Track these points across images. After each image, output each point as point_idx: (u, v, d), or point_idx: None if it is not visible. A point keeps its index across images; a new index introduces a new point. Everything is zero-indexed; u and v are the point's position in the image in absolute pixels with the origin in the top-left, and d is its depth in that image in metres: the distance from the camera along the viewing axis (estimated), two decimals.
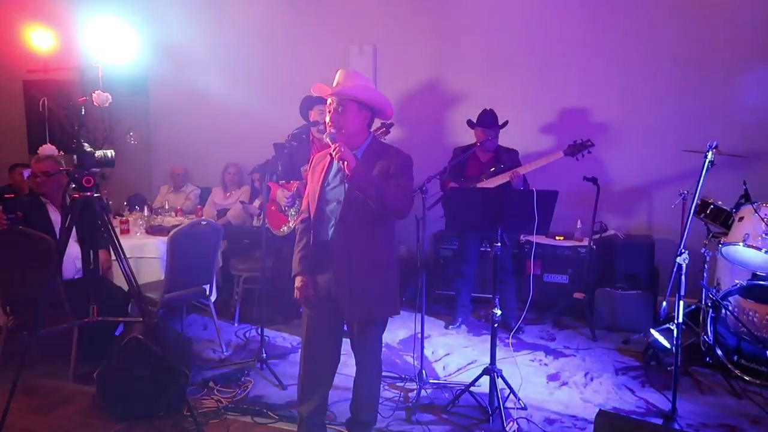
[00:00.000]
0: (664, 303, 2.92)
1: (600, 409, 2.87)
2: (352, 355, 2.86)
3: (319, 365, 2.78)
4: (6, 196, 4.91)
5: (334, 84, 2.66)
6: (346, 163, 2.48)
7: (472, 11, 5.53)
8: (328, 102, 2.65)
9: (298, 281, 2.73)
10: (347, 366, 3.16)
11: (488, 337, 3.33)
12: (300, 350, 2.84)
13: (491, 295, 3.34)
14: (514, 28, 5.43)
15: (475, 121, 4.54)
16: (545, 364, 4.00)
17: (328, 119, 2.64)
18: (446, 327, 4.69)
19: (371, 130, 2.75)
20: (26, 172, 5.47)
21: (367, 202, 2.55)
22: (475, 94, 5.43)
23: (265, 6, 6.14)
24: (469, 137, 4.69)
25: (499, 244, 3.23)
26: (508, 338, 4.30)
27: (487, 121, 4.48)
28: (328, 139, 2.57)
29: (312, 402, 2.79)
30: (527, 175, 4.48)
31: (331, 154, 2.60)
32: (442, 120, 5.73)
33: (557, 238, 4.99)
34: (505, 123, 4.53)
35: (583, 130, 5.11)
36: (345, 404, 3.21)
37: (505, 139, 4.61)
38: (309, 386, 2.78)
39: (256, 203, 5.29)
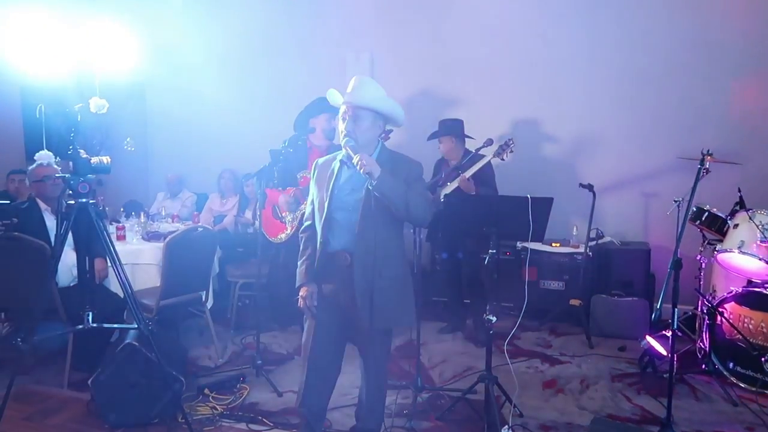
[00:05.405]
0: (659, 309, 2.91)
1: (594, 417, 2.87)
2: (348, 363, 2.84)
3: (324, 373, 2.76)
4: (1, 202, 4.89)
5: (349, 90, 2.61)
6: (371, 173, 2.40)
7: (468, 18, 5.55)
8: (341, 110, 2.60)
9: (303, 291, 2.69)
10: (343, 374, 3.14)
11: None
12: (303, 357, 2.79)
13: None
14: (510, 35, 5.44)
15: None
16: (541, 371, 3.99)
17: (342, 127, 2.58)
18: (442, 333, 4.69)
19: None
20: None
21: (383, 212, 2.51)
22: (471, 100, 5.45)
23: (263, 13, 6.16)
24: (467, 144, 4.69)
25: (493, 250, 3.22)
26: (504, 345, 4.29)
27: (436, 134, 4.65)
28: (347, 148, 2.49)
29: (314, 408, 2.79)
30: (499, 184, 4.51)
31: (343, 161, 2.55)
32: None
33: (553, 244, 4.99)
34: (458, 127, 4.58)
35: (578, 135, 5.14)
36: (339, 411, 3.23)
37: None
38: (313, 393, 2.75)
39: (248, 213, 5.27)
